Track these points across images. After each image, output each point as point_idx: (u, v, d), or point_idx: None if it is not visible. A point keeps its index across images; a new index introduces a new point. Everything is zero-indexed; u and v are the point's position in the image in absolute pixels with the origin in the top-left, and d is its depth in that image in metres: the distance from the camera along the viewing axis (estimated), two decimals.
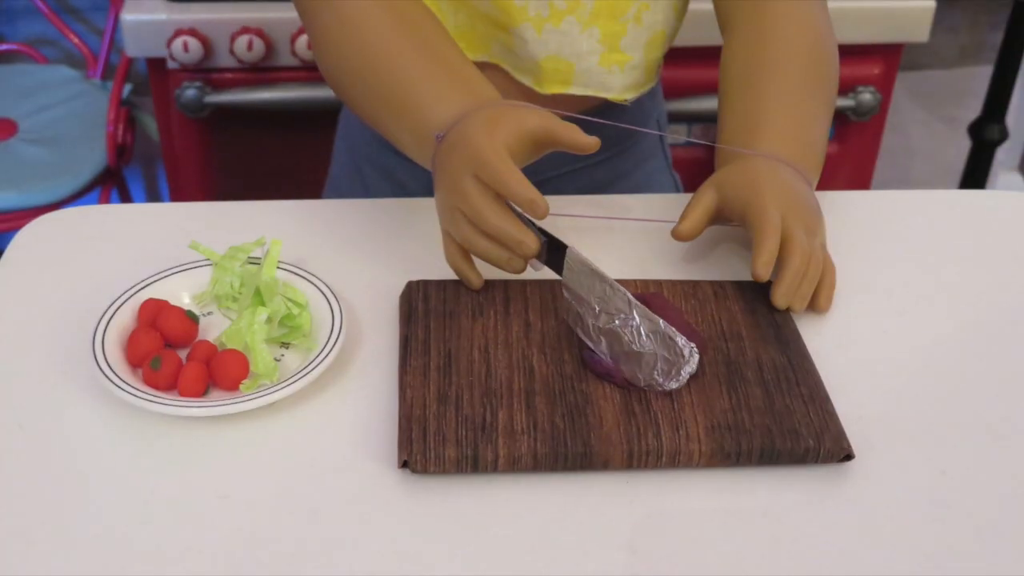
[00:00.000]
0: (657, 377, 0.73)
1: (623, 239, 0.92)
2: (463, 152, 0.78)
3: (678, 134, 1.88)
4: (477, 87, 0.84)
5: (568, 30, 0.95)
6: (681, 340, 0.72)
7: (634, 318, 0.74)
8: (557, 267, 0.79)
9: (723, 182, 0.87)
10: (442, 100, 0.82)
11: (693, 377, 0.74)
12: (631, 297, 0.74)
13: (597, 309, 0.75)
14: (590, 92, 0.99)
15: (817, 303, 0.84)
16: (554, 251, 0.79)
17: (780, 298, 0.81)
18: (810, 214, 0.86)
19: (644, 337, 0.73)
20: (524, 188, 0.75)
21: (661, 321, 0.73)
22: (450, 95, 0.82)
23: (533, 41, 0.95)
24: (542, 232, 0.79)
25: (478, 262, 0.82)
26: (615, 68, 0.98)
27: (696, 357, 0.73)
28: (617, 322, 0.74)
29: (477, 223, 0.77)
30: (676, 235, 0.87)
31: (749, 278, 0.86)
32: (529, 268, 0.80)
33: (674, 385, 0.73)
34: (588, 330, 0.76)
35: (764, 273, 0.81)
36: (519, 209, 0.77)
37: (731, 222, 0.89)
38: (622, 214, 0.95)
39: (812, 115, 0.92)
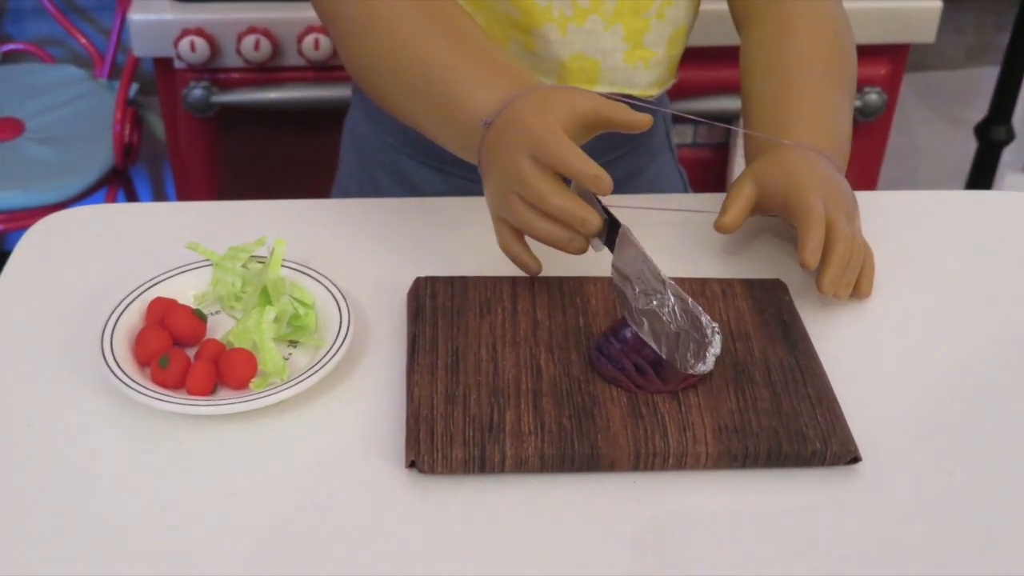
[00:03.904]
0: (689, 359, 0.73)
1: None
2: (517, 134, 0.77)
3: (683, 135, 1.88)
4: (519, 73, 0.83)
5: (592, 28, 0.95)
6: (705, 319, 0.73)
7: (669, 297, 0.74)
8: (612, 246, 0.77)
9: (761, 173, 0.88)
10: (486, 86, 0.81)
11: (700, 378, 0.74)
12: (664, 275, 0.74)
13: (637, 291, 0.75)
14: (616, 89, 0.99)
15: (859, 289, 0.86)
16: (612, 230, 0.77)
17: (827, 286, 0.82)
18: (848, 202, 0.87)
19: (679, 317, 0.73)
20: (587, 164, 0.74)
21: (690, 300, 0.73)
22: (493, 81, 0.81)
23: (557, 41, 0.95)
24: (604, 209, 0.78)
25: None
26: (640, 64, 0.98)
27: (719, 338, 0.73)
28: (655, 303, 0.74)
29: (538, 204, 0.76)
30: (719, 227, 0.87)
31: (759, 275, 0.86)
32: (590, 249, 0.78)
33: (703, 368, 0.73)
34: (632, 313, 0.75)
35: (812, 261, 0.81)
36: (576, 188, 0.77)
37: (769, 213, 0.89)
38: (643, 213, 0.94)
39: (838, 106, 0.93)
